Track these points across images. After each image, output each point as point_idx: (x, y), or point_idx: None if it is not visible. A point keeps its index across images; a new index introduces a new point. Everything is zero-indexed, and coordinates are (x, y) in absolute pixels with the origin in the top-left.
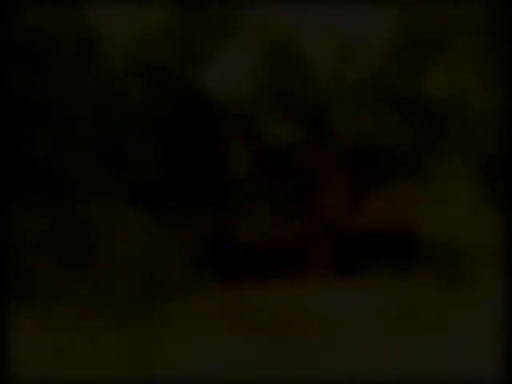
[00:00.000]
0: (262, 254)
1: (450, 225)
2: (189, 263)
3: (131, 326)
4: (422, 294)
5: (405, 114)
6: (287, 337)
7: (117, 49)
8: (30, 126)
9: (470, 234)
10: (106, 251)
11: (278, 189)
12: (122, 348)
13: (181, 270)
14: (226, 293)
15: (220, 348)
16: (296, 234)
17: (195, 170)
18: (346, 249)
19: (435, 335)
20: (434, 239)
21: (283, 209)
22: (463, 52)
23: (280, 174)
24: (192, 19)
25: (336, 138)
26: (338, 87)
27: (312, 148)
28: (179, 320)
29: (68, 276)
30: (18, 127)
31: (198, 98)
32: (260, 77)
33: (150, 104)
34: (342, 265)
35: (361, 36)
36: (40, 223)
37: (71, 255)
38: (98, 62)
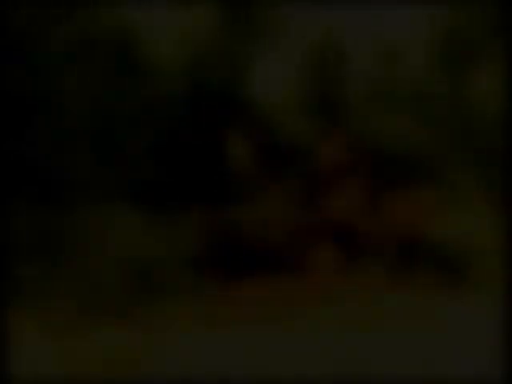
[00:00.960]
0: (264, 254)
1: (450, 225)
2: (189, 263)
3: (131, 325)
4: (422, 294)
5: (434, 117)
6: (288, 337)
7: (156, 49)
8: (29, 126)
9: (470, 235)
10: (105, 251)
11: (284, 188)
12: (121, 348)
13: (181, 269)
14: (227, 293)
15: (220, 348)
16: (299, 233)
17: (197, 168)
18: (348, 248)
19: (435, 335)
20: (435, 240)
21: (287, 208)
22: (494, 53)
23: (287, 172)
24: (233, 20)
25: (353, 139)
26: (370, 88)
27: (325, 147)
28: (179, 320)
29: (67, 276)
30: (18, 127)
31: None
32: (295, 77)
33: (162, 104)
34: (343, 264)
35: (401, 37)
36: (39, 223)
37: (69, 255)
38: (135, 63)
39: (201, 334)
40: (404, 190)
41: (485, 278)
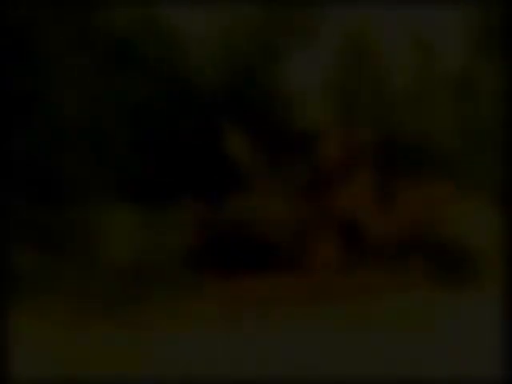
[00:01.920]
0: (264, 252)
1: (451, 225)
2: (187, 261)
3: (128, 325)
4: (422, 294)
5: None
6: (287, 336)
7: (192, 47)
8: (22, 125)
9: (470, 234)
10: (103, 251)
11: (286, 183)
12: (120, 348)
13: (179, 268)
14: (226, 292)
15: (219, 348)
16: (300, 230)
17: (196, 166)
18: (350, 247)
19: (435, 335)
20: (436, 239)
21: (288, 205)
22: None
23: (289, 167)
24: (269, 19)
25: (362, 134)
26: (392, 84)
27: (330, 142)
28: (178, 319)
29: (68, 275)
30: (12, 124)
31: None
32: (325, 76)
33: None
34: (344, 263)
35: (437, 36)
36: (33, 222)
37: (68, 255)
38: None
39: (199, 333)
40: (407, 187)
41: (485, 277)
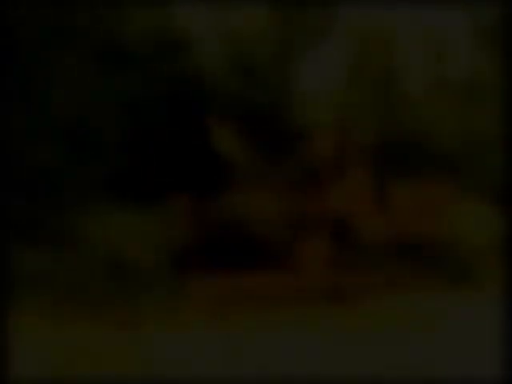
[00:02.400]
0: (261, 250)
1: (451, 225)
2: (179, 261)
3: (129, 325)
4: (422, 294)
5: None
6: (286, 336)
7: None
8: (22, 124)
9: (470, 234)
10: (102, 251)
11: (280, 178)
12: (120, 348)
13: (170, 268)
14: (224, 291)
15: (218, 348)
16: (294, 229)
17: (188, 163)
18: (347, 247)
19: (435, 335)
20: (435, 239)
21: (287, 203)
22: None
23: (291, 164)
24: (284, 20)
25: (362, 132)
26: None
27: (327, 140)
28: (178, 319)
29: (67, 275)
30: (11, 124)
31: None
32: (328, 76)
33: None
34: (341, 263)
35: (439, 37)
36: (35, 222)
37: (68, 254)
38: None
39: (199, 333)
40: (406, 187)
41: (485, 277)
